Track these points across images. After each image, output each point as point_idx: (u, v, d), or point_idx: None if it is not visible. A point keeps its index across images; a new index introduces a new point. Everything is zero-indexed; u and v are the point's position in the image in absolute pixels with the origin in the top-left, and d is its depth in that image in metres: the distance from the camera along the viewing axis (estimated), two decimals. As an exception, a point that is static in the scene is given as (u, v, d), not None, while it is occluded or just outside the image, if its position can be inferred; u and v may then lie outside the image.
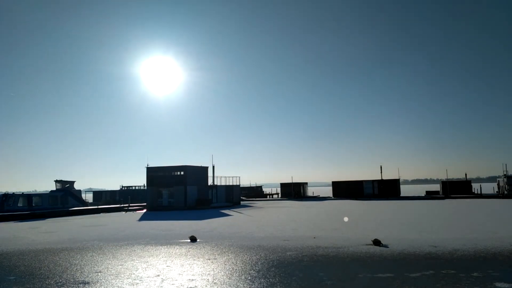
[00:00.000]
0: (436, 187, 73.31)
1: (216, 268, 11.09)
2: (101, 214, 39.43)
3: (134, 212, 41.14)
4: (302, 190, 67.40)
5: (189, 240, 16.95)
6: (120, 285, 9.37)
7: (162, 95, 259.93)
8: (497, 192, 55.63)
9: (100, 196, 64.95)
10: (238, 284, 9.24)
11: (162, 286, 9.18)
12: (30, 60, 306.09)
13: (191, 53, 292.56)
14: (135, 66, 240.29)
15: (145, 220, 29.46)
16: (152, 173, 45.76)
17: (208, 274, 10.39)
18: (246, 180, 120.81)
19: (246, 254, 13.21)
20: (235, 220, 27.05)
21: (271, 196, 77.92)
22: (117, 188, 68.46)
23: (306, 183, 70.39)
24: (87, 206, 45.89)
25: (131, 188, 66.06)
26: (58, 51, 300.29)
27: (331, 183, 64.84)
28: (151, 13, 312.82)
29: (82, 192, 53.16)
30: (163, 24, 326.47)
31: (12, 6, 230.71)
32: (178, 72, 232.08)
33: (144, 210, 42.97)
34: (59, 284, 9.71)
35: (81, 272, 11.05)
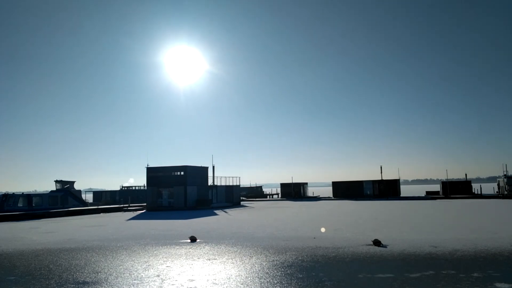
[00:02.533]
0: (436, 187, 73.28)
1: (216, 269, 11.09)
2: (101, 214, 39.45)
3: (134, 212, 41.13)
4: (302, 190, 67.35)
5: (189, 240, 16.95)
6: (120, 285, 9.37)
7: (181, 86, 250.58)
8: (497, 192, 55.61)
9: (100, 196, 64.89)
10: (238, 284, 9.24)
11: (162, 286, 9.17)
12: (30, 60, 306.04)
13: (213, 44, 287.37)
14: (159, 56, 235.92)
15: (145, 220, 29.45)
16: (152, 173, 45.76)
17: (208, 274, 10.39)
18: (246, 180, 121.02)
19: (246, 255, 13.21)
20: (235, 220, 27.05)
21: (271, 196, 77.93)
22: (117, 188, 68.49)
23: (306, 183, 70.33)
24: (87, 206, 45.87)
25: (131, 188, 66.04)
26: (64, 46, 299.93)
27: (331, 183, 64.79)
28: (176, 3, 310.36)
29: (82, 192, 53.12)
30: (188, 14, 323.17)
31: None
32: (200, 63, 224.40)
33: (144, 211, 42.96)
34: (59, 284, 9.71)
35: (81, 272, 11.05)
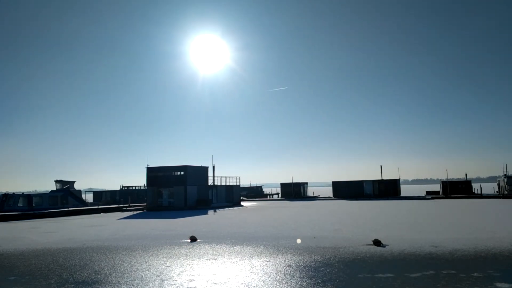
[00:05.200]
0: (436, 187, 73.27)
1: (216, 269, 11.09)
2: (101, 214, 39.46)
3: (134, 212, 41.13)
4: (302, 190, 67.36)
5: (189, 240, 16.96)
6: (120, 285, 9.37)
7: (200, 77, 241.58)
8: (497, 192, 55.61)
9: (100, 196, 64.85)
10: (238, 284, 9.24)
11: (162, 286, 9.17)
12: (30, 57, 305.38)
13: (236, 33, 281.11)
14: (181, 45, 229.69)
15: (145, 220, 29.45)
16: (152, 173, 45.77)
17: (208, 274, 10.39)
18: (246, 180, 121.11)
19: (246, 255, 13.21)
20: (235, 220, 27.05)
21: (271, 196, 77.98)
22: (117, 188, 68.47)
23: (306, 183, 70.35)
24: (87, 206, 45.88)
25: (131, 188, 66.03)
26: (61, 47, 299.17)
27: (331, 183, 64.82)
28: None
29: (82, 192, 53.12)
30: (212, 2, 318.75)
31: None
32: (224, 51, 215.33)
33: (144, 210, 42.96)
34: (59, 284, 9.71)
35: (81, 272, 11.05)
